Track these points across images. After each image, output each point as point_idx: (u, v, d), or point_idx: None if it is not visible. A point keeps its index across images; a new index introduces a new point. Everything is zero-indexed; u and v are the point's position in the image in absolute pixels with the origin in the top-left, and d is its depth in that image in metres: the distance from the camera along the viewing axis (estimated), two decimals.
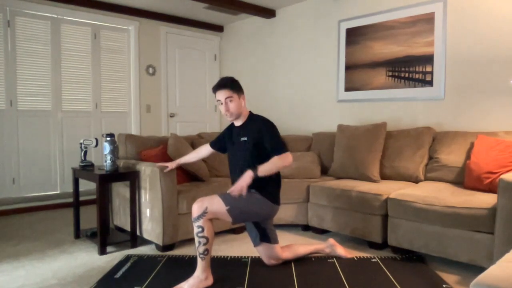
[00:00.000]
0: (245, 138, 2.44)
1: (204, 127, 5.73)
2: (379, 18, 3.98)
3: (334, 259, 2.74)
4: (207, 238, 2.22)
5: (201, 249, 2.22)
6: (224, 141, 2.65)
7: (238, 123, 2.53)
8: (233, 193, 2.29)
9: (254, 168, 2.31)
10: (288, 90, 4.99)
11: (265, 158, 2.36)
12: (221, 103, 2.44)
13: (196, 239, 2.23)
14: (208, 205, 2.22)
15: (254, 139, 2.40)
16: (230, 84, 2.44)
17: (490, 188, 2.73)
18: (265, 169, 2.31)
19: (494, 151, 2.79)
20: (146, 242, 3.13)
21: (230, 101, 2.42)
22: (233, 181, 2.52)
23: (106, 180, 2.99)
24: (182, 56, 5.63)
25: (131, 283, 2.34)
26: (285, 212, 3.43)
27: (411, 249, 2.73)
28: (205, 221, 2.21)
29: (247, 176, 2.30)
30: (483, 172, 2.77)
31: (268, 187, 2.40)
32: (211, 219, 2.24)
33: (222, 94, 2.42)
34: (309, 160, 3.79)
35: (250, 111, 2.57)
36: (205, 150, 2.82)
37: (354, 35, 4.22)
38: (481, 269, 2.28)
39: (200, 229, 2.21)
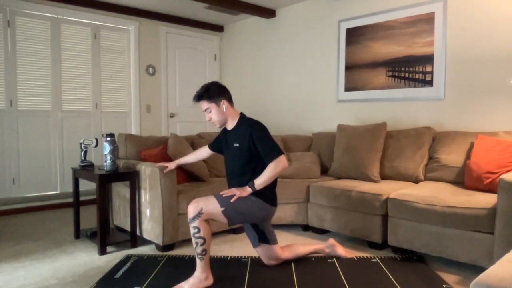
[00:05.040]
0: (237, 144, 2.40)
1: (204, 127, 5.73)
2: (379, 18, 3.98)
3: (334, 259, 2.74)
4: (204, 239, 2.21)
5: (199, 249, 2.22)
6: (221, 142, 2.63)
7: (229, 127, 2.49)
8: (226, 195, 2.30)
9: (251, 183, 2.32)
10: (288, 90, 4.99)
11: (258, 162, 2.37)
12: None
13: (193, 239, 2.23)
14: (203, 206, 2.22)
15: (245, 144, 2.37)
16: (204, 95, 2.40)
17: (490, 188, 2.73)
18: (262, 181, 2.31)
19: (494, 151, 2.79)
20: (146, 242, 3.13)
21: (209, 112, 2.42)
22: (229, 184, 2.52)
23: (106, 180, 2.98)
24: (182, 56, 5.63)
25: (131, 283, 2.34)
26: (285, 212, 3.44)
27: (411, 249, 2.73)
28: (201, 221, 2.20)
29: (245, 191, 2.32)
30: (483, 172, 2.77)
31: (264, 189, 2.37)
32: (207, 219, 2.24)
33: (201, 106, 2.44)
34: (309, 160, 3.79)
35: (241, 114, 2.50)
36: (204, 151, 2.81)
37: (354, 35, 4.22)
38: (481, 269, 2.29)
39: (196, 230, 2.20)
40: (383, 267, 2.59)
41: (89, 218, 3.95)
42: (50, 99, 4.51)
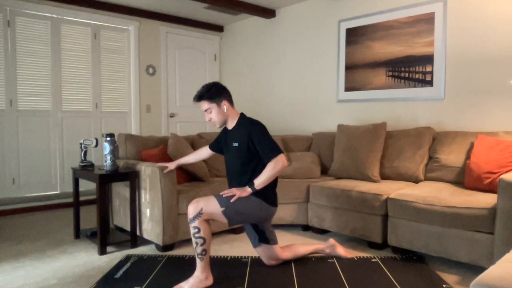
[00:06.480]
0: (236, 144, 2.41)
1: (204, 127, 5.73)
2: (379, 18, 3.98)
3: (334, 259, 2.74)
4: (204, 239, 2.21)
5: (199, 249, 2.22)
6: (221, 142, 2.63)
7: (229, 126, 2.50)
8: (226, 195, 2.30)
9: (251, 183, 2.32)
10: (288, 90, 4.99)
11: (258, 162, 2.37)
12: None
13: (193, 239, 2.23)
14: (203, 206, 2.22)
15: (244, 144, 2.37)
16: (205, 95, 2.40)
17: (490, 188, 2.73)
18: (262, 181, 2.31)
19: (494, 151, 2.79)
20: (146, 242, 3.13)
21: (210, 112, 2.43)
22: (229, 184, 2.53)
23: (106, 180, 2.98)
24: (182, 56, 5.63)
25: (131, 283, 2.34)
26: (285, 212, 3.44)
27: (411, 249, 2.73)
28: (201, 221, 2.20)
29: (245, 191, 2.32)
30: (483, 172, 2.77)
31: (264, 189, 2.37)
32: (207, 219, 2.24)
33: (201, 106, 2.45)
34: (309, 160, 3.79)
35: (241, 114, 2.51)
36: (204, 151, 2.81)
37: (354, 35, 4.22)
38: (481, 269, 2.29)
39: (196, 230, 2.20)
40: (383, 267, 2.59)
41: (89, 218, 3.95)
42: (50, 99, 4.51)
